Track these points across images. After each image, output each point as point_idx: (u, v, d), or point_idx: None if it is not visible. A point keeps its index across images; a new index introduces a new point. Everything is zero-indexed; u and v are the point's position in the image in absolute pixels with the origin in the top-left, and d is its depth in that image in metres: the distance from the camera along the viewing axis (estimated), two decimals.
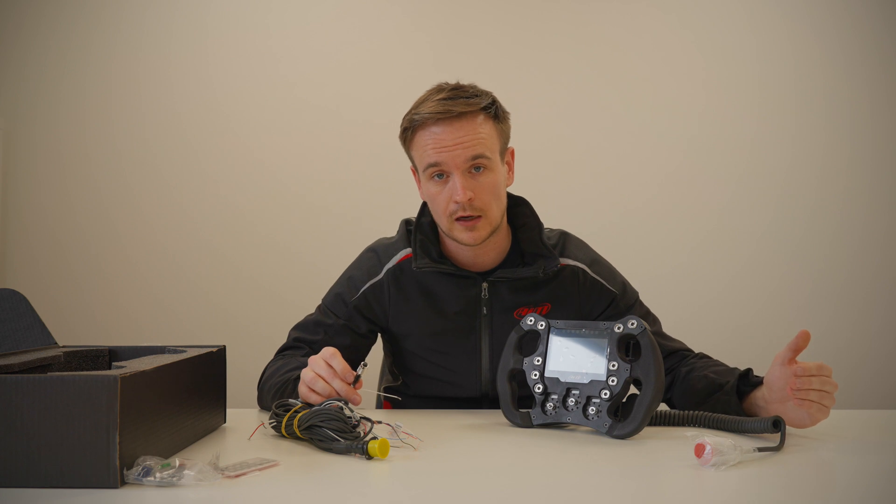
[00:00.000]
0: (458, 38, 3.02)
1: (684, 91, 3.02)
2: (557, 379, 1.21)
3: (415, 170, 1.46)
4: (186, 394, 1.08)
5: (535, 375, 1.23)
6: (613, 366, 1.16)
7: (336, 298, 1.52)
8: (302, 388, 1.23)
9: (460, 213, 1.37)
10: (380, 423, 1.12)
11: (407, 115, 1.40)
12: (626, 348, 1.18)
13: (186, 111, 2.99)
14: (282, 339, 1.54)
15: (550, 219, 1.55)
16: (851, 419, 1.37)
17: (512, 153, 1.47)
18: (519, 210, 1.49)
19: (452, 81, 1.42)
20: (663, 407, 1.39)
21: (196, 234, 2.97)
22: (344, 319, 1.49)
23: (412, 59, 3.01)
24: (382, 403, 1.60)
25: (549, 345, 1.24)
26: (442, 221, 1.41)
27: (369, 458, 1.00)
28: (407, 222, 1.54)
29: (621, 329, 1.17)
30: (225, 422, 1.26)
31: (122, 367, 0.95)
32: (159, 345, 1.23)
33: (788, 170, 2.99)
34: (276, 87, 3.00)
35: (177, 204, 2.98)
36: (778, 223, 2.99)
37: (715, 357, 1.46)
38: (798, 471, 1.01)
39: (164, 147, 2.99)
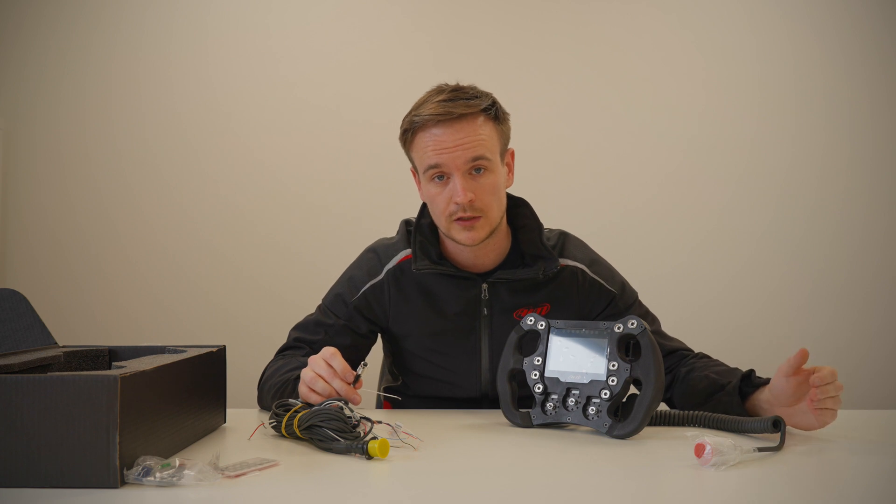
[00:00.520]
0: (458, 38, 3.02)
1: (684, 91, 3.02)
2: (557, 379, 1.21)
3: (415, 171, 1.46)
4: (186, 394, 1.08)
5: (535, 375, 1.23)
6: (613, 366, 1.16)
7: (336, 299, 1.52)
8: (302, 388, 1.23)
9: (460, 214, 1.37)
10: (380, 423, 1.12)
11: (407, 116, 1.40)
12: (626, 348, 1.18)
13: (186, 111, 2.99)
14: (282, 339, 1.54)
15: (550, 219, 1.55)
16: (851, 419, 1.37)
17: (512, 154, 1.47)
18: (519, 211, 1.49)
19: (452, 82, 1.42)
20: (663, 407, 1.39)
21: (196, 234, 2.97)
22: (344, 320, 1.50)
23: (412, 59, 3.01)
24: (382, 403, 1.60)
25: (549, 345, 1.24)
26: (441, 222, 1.41)
27: (369, 458, 1.00)
28: (407, 223, 1.54)
29: (621, 329, 1.17)
30: (225, 422, 1.26)
31: (122, 367, 0.95)
32: (159, 345, 1.23)
33: (788, 170, 2.99)
34: (276, 87, 3.00)
35: (177, 204, 2.98)
36: (778, 223, 2.99)
37: (715, 357, 1.46)
38: (798, 471, 1.01)
39: (164, 147, 2.99)
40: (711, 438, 0.97)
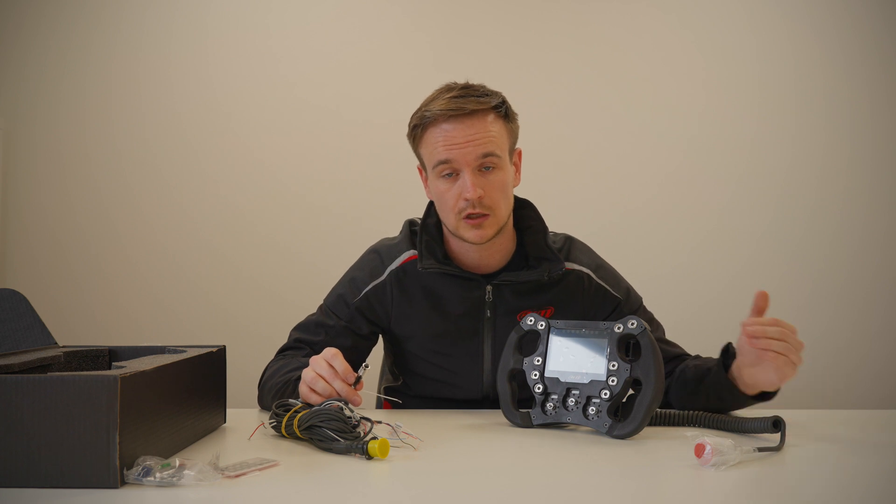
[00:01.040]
0: (458, 38, 3.02)
1: (684, 91, 3.02)
2: (557, 379, 1.21)
3: (422, 169, 1.46)
4: (186, 394, 1.08)
5: (535, 375, 1.23)
6: (613, 366, 1.16)
7: (338, 299, 1.51)
8: (302, 388, 1.23)
9: (469, 211, 1.36)
10: (380, 423, 1.12)
11: (416, 112, 1.40)
12: (626, 348, 1.18)
13: (186, 111, 2.99)
14: (282, 339, 1.54)
15: (551, 219, 1.55)
16: (851, 419, 1.37)
17: (519, 154, 1.47)
18: (524, 213, 1.49)
19: (453, 81, 1.42)
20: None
21: (196, 234, 2.97)
22: (345, 321, 1.49)
23: (412, 59, 3.01)
24: (382, 404, 1.60)
25: (549, 345, 1.24)
26: (449, 219, 1.40)
27: (369, 458, 1.00)
28: (411, 223, 1.53)
29: (621, 329, 1.17)
30: (225, 422, 1.26)
31: (122, 367, 0.95)
32: (159, 345, 1.23)
33: (788, 170, 2.99)
34: (276, 87, 3.00)
35: (177, 204, 2.98)
36: (778, 223, 2.98)
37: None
38: (798, 471, 1.01)
39: (164, 147, 2.99)
40: (711, 438, 0.97)
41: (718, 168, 3.00)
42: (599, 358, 1.18)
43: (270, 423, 1.17)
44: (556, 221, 1.61)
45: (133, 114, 2.99)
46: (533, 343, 1.26)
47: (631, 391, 1.18)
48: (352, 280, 1.52)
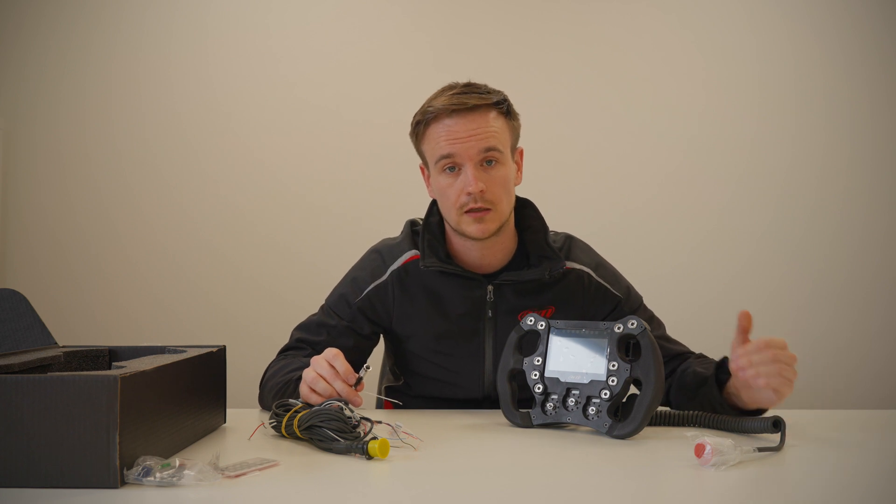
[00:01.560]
0: (458, 38, 3.02)
1: (684, 91, 3.02)
2: (557, 379, 1.21)
3: (424, 167, 1.47)
4: (186, 394, 1.08)
5: (535, 375, 1.23)
6: (613, 366, 1.16)
7: (340, 299, 1.51)
8: (303, 388, 1.23)
9: (471, 205, 1.37)
10: (380, 423, 1.12)
11: (419, 110, 1.41)
12: (626, 348, 1.18)
13: (186, 111, 2.99)
14: (282, 339, 1.54)
15: (551, 219, 1.55)
16: (851, 419, 1.37)
17: (521, 153, 1.48)
18: (525, 212, 1.49)
19: (455, 81, 1.43)
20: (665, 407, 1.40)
21: (196, 234, 2.97)
22: (347, 321, 1.49)
23: (412, 59, 3.01)
24: (383, 404, 1.60)
25: (549, 345, 1.24)
26: (451, 215, 1.41)
27: (369, 458, 1.00)
28: (412, 223, 1.54)
29: (621, 329, 1.17)
30: (225, 422, 1.26)
31: (122, 367, 0.95)
32: (159, 345, 1.23)
33: (788, 170, 2.99)
34: (276, 87, 3.00)
35: (177, 204, 2.98)
36: (778, 223, 2.98)
37: (715, 357, 1.45)
38: (798, 471, 1.01)
39: (164, 147, 2.99)
40: (711, 438, 0.97)
41: (718, 168, 3.00)
42: (599, 358, 1.18)
43: (270, 423, 1.17)
44: (557, 221, 1.61)
45: (133, 114, 2.99)
46: (533, 343, 1.26)
47: (631, 391, 1.18)
48: (353, 280, 1.52)
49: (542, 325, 1.25)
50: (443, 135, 1.37)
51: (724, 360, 1.31)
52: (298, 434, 1.10)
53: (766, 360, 1.16)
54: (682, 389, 1.38)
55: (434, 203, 1.48)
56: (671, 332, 1.51)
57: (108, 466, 0.85)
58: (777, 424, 1.11)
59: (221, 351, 1.24)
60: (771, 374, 1.16)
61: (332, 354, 1.23)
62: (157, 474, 0.87)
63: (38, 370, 1.08)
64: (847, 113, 2.99)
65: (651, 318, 1.50)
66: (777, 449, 1.07)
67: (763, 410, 1.28)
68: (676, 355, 1.45)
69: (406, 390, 1.55)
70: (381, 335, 1.56)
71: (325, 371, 1.21)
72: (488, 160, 1.37)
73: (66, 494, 0.83)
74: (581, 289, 1.47)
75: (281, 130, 2.99)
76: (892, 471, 1.03)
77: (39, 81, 2.98)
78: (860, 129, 2.99)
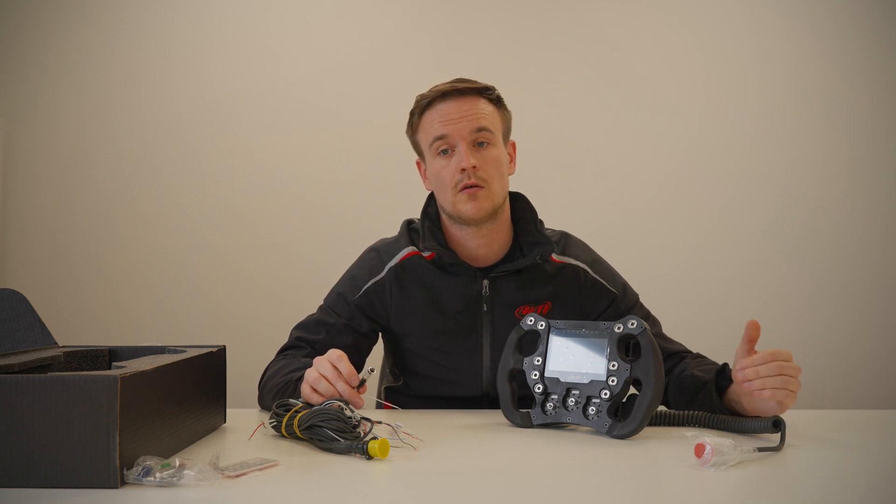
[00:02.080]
0: (458, 38, 3.02)
1: (684, 91, 3.02)
2: (557, 379, 1.21)
3: (420, 161, 1.51)
4: (186, 394, 1.08)
5: (535, 375, 1.23)
6: (613, 366, 1.16)
7: (338, 297, 1.52)
8: (305, 388, 1.23)
9: (465, 182, 1.40)
10: (380, 423, 1.12)
11: (413, 105, 1.48)
12: (626, 348, 1.18)
13: (186, 111, 2.99)
14: (282, 339, 1.54)
15: (550, 219, 1.56)
16: (851, 419, 1.37)
17: (513, 146, 1.53)
18: (518, 205, 1.52)
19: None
20: (663, 407, 1.40)
21: (196, 234, 2.97)
22: (346, 319, 1.50)
23: (412, 59, 3.01)
24: (383, 404, 1.60)
25: (549, 345, 1.24)
26: (447, 196, 1.43)
27: (369, 458, 1.00)
28: (409, 222, 1.56)
29: (621, 329, 1.17)
30: (225, 422, 1.26)
31: (122, 367, 0.95)
32: (159, 345, 1.23)
33: (788, 170, 2.99)
34: (276, 87, 3.00)
35: (177, 204, 2.98)
36: (778, 223, 2.98)
37: (715, 358, 1.45)
38: (798, 471, 1.01)
39: (164, 147, 2.99)
40: (711, 438, 0.97)
41: (718, 168, 3.00)
42: (599, 358, 1.18)
43: (270, 423, 1.17)
44: (557, 221, 1.61)
45: (133, 114, 2.99)
46: (533, 343, 1.26)
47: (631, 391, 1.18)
48: (352, 278, 1.53)
49: (542, 325, 1.25)
50: (436, 118, 1.43)
51: (725, 367, 1.31)
52: (298, 434, 1.10)
53: (772, 371, 1.16)
54: (680, 392, 1.38)
55: (431, 195, 1.51)
56: (672, 332, 1.51)
57: (108, 466, 0.85)
58: (777, 424, 1.11)
59: (221, 351, 1.24)
60: (776, 385, 1.16)
61: (337, 356, 1.23)
62: (157, 474, 0.87)
63: (38, 370, 1.08)
64: (847, 113, 2.99)
65: (647, 316, 1.51)
66: (777, 449, 1.07)
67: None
68: (673, 354, 1.46)
69: (405, 391, 1.55)
70: (380, 334, 1.56)
71: (328, 372, 1.21)
72: (480, 141, 1.42)
73: (66, 494, 0.83)
74: (577, 284, 1.48)
75: (281, 130, 2.99)
76: (892, 471, 1.03)
77: (39, 81, 2.98)
78: (860, 129, 2.99)
